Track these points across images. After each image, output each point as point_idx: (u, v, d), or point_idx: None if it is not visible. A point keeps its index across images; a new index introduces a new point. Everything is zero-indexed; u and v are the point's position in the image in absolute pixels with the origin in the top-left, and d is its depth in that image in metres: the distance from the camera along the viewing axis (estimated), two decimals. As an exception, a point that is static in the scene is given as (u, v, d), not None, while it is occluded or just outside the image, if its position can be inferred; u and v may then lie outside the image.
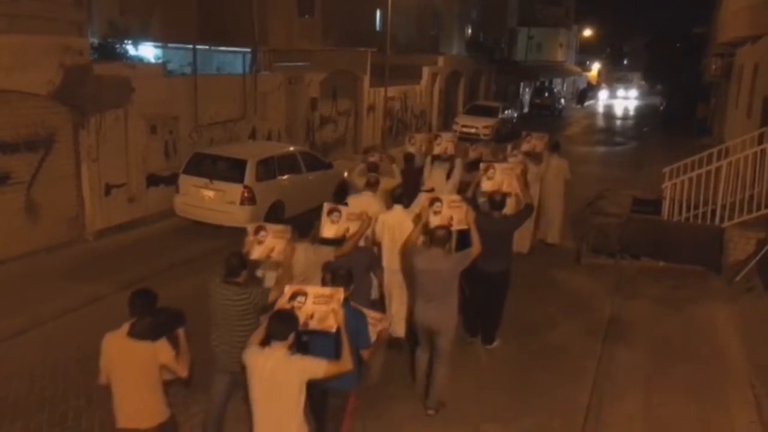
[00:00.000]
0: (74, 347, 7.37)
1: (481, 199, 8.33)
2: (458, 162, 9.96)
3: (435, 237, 6.20)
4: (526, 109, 40.66)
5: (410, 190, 8.39)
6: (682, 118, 34.95)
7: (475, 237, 6.42)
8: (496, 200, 7.64)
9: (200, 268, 10.17)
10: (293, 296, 4.69)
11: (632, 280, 10.28)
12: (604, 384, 7.13)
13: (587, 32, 68.45)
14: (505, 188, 7.99)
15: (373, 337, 5.03)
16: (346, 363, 4.44)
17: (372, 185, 8.17)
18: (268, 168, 11.85)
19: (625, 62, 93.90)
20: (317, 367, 4.31)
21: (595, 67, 76.80)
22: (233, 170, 11.46)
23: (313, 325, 4.65)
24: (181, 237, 11.59)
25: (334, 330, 4.63)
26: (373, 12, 26.52)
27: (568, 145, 20.60)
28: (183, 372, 4.52)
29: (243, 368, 4.46)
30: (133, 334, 4.40)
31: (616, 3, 76.52)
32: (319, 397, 4.97)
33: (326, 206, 6.19)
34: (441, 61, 28.37)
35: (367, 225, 6.54)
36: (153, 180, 12.47)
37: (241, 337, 4.97)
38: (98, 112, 11.10)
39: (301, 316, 4.58)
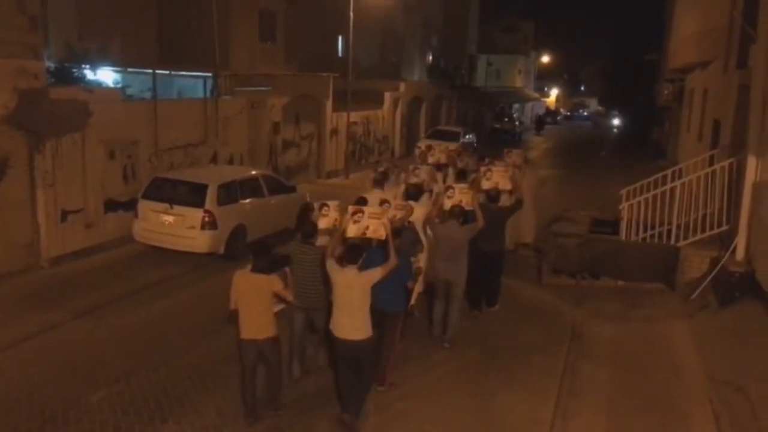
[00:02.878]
0: (26, 378, 7.13)
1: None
2: (450, 170, 11.55)
3: (452, 213, 8.42)
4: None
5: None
6: (637, 141, 35.94)
7: (479, 214, 8.47)
8: (493, 195, 9.65)
9: (160, 294, 10.02)
10: (354, 213, 6.86)
11: (592, 299, 10.43)
12: (567, 400, 7.18)
13: (545, 59, 70.31)
14: (500, 186, 9.77)
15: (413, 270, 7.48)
16: (393, 261, 6.45)
17: (379, 183, 9.76)
18: (230, 192, 11.75)
19: (582, 88, 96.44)
20: (376, 273, 6.33)
21: (554, 92, 78.77)
22: (194, 195, 11.32)
23: (369, 233, 6.82)
24: (141, 263, 11.36)
25: (384, 237, 6.72)
26: (335, 37, 26.75)
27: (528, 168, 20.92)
28: (289, 297, 6.47)
29: (312, 306, 7.01)
30: (255, 270, 6.28)
31: (573, 30, 78.73)
32: (378, 317, 6.60)
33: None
34: (403, 86, 28.69)
35: (410, 211, 8.13)
36: (111, 205, 12.24)
37: (313, 281, 6.98)
38: (54, 136, 10.89)
39: (360, 228, 6.79)
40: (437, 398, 7.20)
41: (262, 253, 6.41)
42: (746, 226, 9.60)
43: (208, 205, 11.17)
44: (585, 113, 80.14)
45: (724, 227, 10.44)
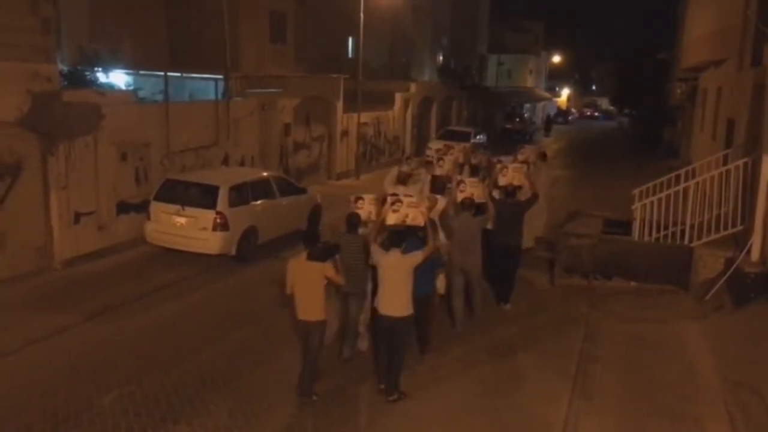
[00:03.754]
0: (39, 380, 7.18)
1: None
2: (465, 168, 11.72)
3: (464, 205, 8.99)
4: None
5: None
6: (649, 141, 35.66)
7: (490, 206, 9.20)
8: (509, 191, 10.08)
9: (171, 295, 10.05)
10: (393, 203, 7.59)
11: (605, 300, 10.37)
12: (580, 403, 7.13)
13: (556, 59, 69.99)
14: (515, 182, 10.21)
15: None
16: (431, 246, 7.16)
17: (403, 181, 10.30)
18: (241, 194, 11.78)
19: (594, 87, 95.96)
20: (419, 256, 7.00)
21: (565, 92, 78.43)
22: (205, 196, 11.36)
23: (409, 221, 7.54)
24: (152, 265, 11.41)
25: (422, 224, 7.44)
26: (345, 39, 26.77)
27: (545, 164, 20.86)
28: (341, 281, 7.01)
29: (352, 291, 7.64)
30: (310, 257, 6.76)
31: (584, 30, 78.47)
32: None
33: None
34: (413, 87, 28.67)
35: (434, 203, 8.80)
36: (123, 207, 12.30)
37: (359, 266, 7.59)
38: (67, 139, 10.96)
39: (400, 216, 7.52)
40: (445, 400, 7.18)
41: (313, 242, 6.94)
42: (761, 226, 9.51)
43: (219, 206, 11.20)
44: (596, 113, 78.71)
45: (739, 227, 10.35)
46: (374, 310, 7.23)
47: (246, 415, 6.64)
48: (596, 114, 76.97)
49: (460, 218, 8.97)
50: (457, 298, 8.99)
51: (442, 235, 8.62)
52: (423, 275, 7.30)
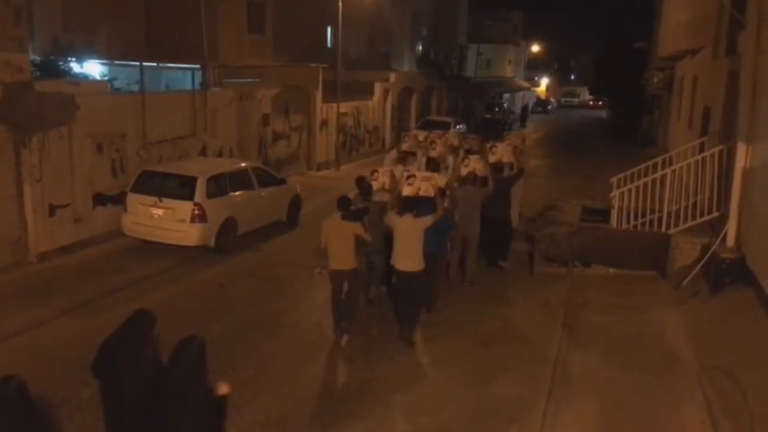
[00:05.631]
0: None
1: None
2: (460, 152, 12.33)
3: (467, 178, 10.18)
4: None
5: None
6: (627, 129, 35.93)
7: (490, 181, 10.32)
8: (498, 167, 11.09)
9: (149, 288, 9.94)
10: (408, 177, 9.05)
11: (584, 287, 10.46)
12: (560, 388, 7.20)
13: (535, 48, 70.13)
14: (504, 159, 11.34)
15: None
16: (439, 212, 8.40)
17: (402, 160, 11.50)
18: (219, 185, 11.66)
19: (573, 77, 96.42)
20: (428, 220, 8.17)
21: (544, 81, 78.64)
22: (183, 187, 11.24)
23: (422, 192, 8.86)
24: (130, 257, 11.28)
25: (433, 195, 8.74)
26: (324, 28, 26.57)
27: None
28: (368, 238, 8.25)
29: (373, 250, 8.97)
30: (344, 218, 8.09)
31: (563, 20, 78.70)
32: (426, 259, 8.26)
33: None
34: (393, 77, 28.57)
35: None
36: (100, 199, 12.13)
37: (374, 229, 8.59)
38: (41, 130, 10.74)
39: (414, 189, 8.89)
40: (431, 388, 7.22)
41: (345, 206, 8.24)
42: (736, 212, 9.62)
43: (197, 198, 11.10)
44: (599, 102, 73.63)
45: (715, 214, 10.47)
46: (392, 267, 8.43)
47: (232, 404, 6.58)
48: (600, 103, 71.58)
49: (464, 190, 10.08)
50: (454, 255, 10.34)
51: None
52: (434, 236, 8.47)
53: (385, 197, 9.18)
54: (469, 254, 10.30)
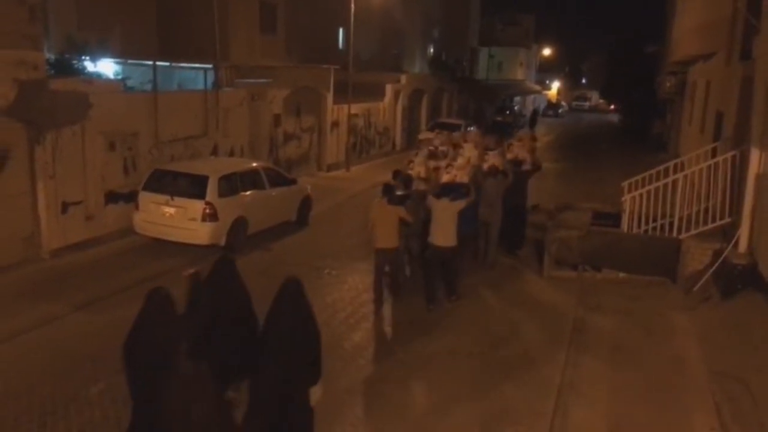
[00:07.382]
0: (27, 370, 7.12)
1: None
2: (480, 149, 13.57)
3: (489, 172, 11.41)
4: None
5: None
6: (638, 134, 35.75)
7: (508, 172, 11.48)
8: (517, 162, 12.43)
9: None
10: (447, 167, 10.79)
11: (594, 292, 10.42)
12: (569, 392, 7.18)
13: (547, 51, 70.02)
14: (520, 156, 12.80)
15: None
16: (471, 197, 9.80)
17: (433, 156, 12.35)
18: (231, 184, 11.71)
19: (584, 80, 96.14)
20: (462, 203, 9.48)
21: (555, 85, 78.48)
22: (194, 186, 11.29)
23: (458, 179, 10.43)
24: (141, 255, 11.34)
25: (467, 182, 10.39)
26: (336, 30, 26.64)
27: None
28: (411, 220, 9.41)
29: (411, 233, 10.13)
30: (389, 202, 9.24)
31: (575, 23, 78.48)
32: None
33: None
34: (404, 78, 28.58)
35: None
36: (112, 197, 12.21)
37: (417, 214, 9.82)
38: (54, 127, 10.84)
39: (451, 177, 10.46)
40: (439, 390, 7.21)
41: (390, 191, 9.37)
42: (749, 218, 9.56)
43: (209, 196, 11.14)
44: (583, 108, 76.65)
45: (727, 219, 10.41)
46: (429, 244, 9.52)
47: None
48: (613, 107, 70.61)
49: (487, 182, 11.18)
50: (481, 241, 11.56)
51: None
52: (465, 219, 9.76)
53: (422, 186, 10.46)
54: (491, 241, 11.40)
